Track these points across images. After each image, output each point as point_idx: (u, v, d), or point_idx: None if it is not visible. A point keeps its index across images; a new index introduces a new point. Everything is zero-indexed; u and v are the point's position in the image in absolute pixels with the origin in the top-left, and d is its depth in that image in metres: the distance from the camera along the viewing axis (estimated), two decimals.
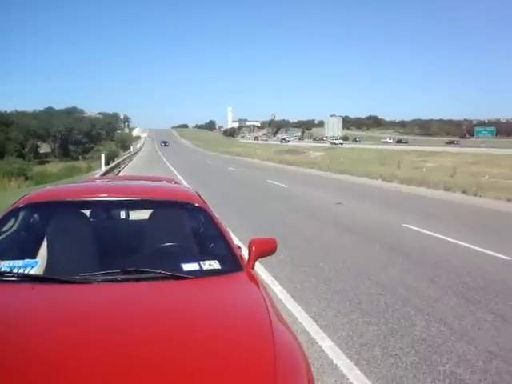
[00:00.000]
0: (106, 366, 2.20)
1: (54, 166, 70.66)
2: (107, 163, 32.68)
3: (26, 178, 45.69)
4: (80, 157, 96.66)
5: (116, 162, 38.91)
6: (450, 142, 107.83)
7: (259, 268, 7.84)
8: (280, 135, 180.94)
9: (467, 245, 9.93)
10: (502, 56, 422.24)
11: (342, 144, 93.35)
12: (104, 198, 4.05)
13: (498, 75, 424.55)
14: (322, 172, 36.19)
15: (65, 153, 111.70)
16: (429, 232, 11.33)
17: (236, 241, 6.58)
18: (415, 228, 11.88)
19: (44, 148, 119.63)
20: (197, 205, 4.08)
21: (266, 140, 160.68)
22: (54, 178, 43.31)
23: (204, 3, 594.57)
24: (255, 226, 11.84)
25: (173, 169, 38.22)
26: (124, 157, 52.27)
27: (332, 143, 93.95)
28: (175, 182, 5.99)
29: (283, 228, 11.90)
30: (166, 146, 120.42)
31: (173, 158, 60.14)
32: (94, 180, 6.50)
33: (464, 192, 21.11)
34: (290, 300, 6.39)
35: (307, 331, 5.32)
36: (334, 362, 4.58)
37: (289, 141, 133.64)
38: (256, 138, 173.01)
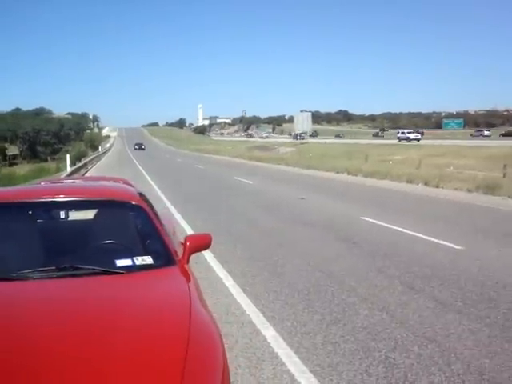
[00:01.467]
0: (26, 358, 2.33)
1: (22, 168, 69.59)
2: (74, 164, 32.44)
3: None
4: (49, 158, 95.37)
5: (83, 162, 38.61)
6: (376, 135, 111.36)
7: (214, 264, 7.99)
8: (251, 131, 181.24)
9: (421, 235, 10.18)
10: (471, 48, 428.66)
11: (303, 138, 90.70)
12: (43, 199, 4.15)
13: (467, 67, 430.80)
14: (289, 168, 36.45)
15: (33, 154, 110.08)
16: (385, 224, 11.57)
17: (178, 238, 6.71)
18: (372, 220, 12.11)
19: (12, 150, 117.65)
20: (134, 203, 4.19)
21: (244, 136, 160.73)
22: (21, 180, 42.69)
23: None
24: (216, 223, 11.94)
25: (141, 168, 38.10)
26: (92, 157, 51.81)
27: (297, 138, 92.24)
28: (124, 182, 6.07)
29: (243, 224, 12.03)
30: (141, 149, 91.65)
31: (142, 157, 59.87)
32: (44, 182, 6.56)
33: (426, 184, 21.51)
34: (241, 294, 6.51)
35: (253, 322, 5.46)
36: (275, 350, 4.72)
37: (267, 137, 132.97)
38: (222, 134, 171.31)
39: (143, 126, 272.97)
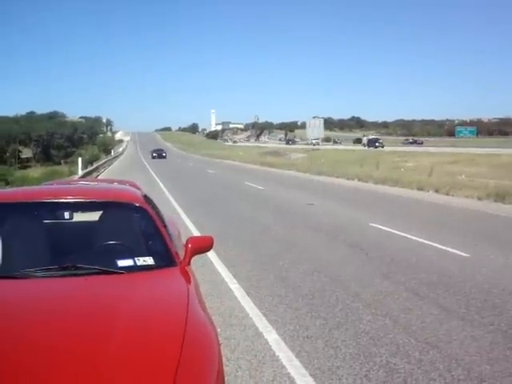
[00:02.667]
0: (23, 356, 2.38)
1: (35, 171, 70.38)
2: (85, 167, 32.69)
3: (7, 183, 45.55)
4: (62, 161, 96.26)
5: (94, 165, 38.88)
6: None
7: (220, 267, 8.03)
8: (263, 137, 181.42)
9: (428, 242, 10.15)
10: (485, 56, 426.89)
11: (317, 144, 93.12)
12: (48, 199, 4.23)
13: (481, 75, 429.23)
14: (300, 173, 36.45)
15: (46, 157, 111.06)
16: (393, 230, 11.55)
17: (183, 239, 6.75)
18: (381, 227, 12.09)
19: (26, 153, 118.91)
20: (137, 205, 4.25)
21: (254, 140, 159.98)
22: (35, 182, 43.21)
23: (192, 4, 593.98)
24: (225, 227, 11.98)
25: (152, 172, 38.28)
26: (104, 160, 52.16)
27: (311, 144, 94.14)
28: (130, 185, 6.14)
29: (252, 228, 12.07)
30: (161, 157, 72.03)
31: (154, 162, 60.20)
32: (51, 183, 6.66)
33: (437, 191, 21.41)
34: (245, 297, 6.55)
35: (256, 326, 5.49)
36: (276, 353, 4.75)
37: (296, 142, 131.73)
38: (235, 142, 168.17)
39: (156, 130, 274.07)
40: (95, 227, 4.19)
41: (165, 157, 72.01)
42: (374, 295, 6.64)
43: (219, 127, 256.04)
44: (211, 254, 8.01)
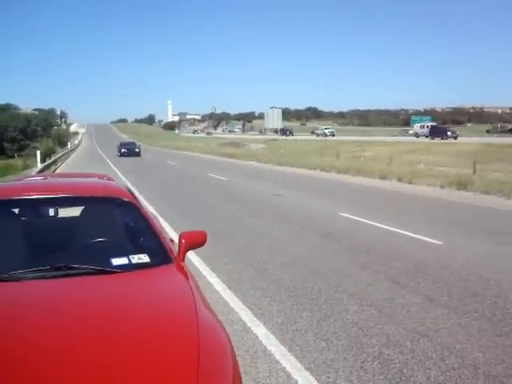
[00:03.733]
0: (35, 362, 2.23)
1: None
2: (43, 160, 31.86)
3: None
4: (16, 154, 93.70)
5: (52, 159, 37.98)
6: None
7: (196, 260, 7.90)
8: (220, 128, 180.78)
9: (400, 231, 10.26)
10: (438, 46, 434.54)
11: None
12: (32, 195, 4.02)
13: (434, 65, 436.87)
14: (262, 164, 36.40)
15: (0, 151, 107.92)
16: (364, 220, 11.62)
17: (169, 234, 6.64)
18: (351, 216, 12.15)
19: None
20: (126, 200, 4.10)
21: (210, 133, 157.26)
22: None
23: None
24: (193, 219, 11.83)
25: (111, 164, 37.63)
26: (61, 153, 51.01)
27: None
28: (108, 178, 5.96)
29: (222, 220, 11.95)
30: (133, 154, 51.42)
31: (112, 154, 59.21)
32: (25, 178, 6.39)
33: (399, 180, 21.69)
34: (227, 291, 6.46)
35: (243, 320, 5.41)
36: (268, 348, 4.69)
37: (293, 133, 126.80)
38: (195, 132, 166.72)
39: (112, 122, 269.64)
40: (83, 224, 3.99)
41: (138, 153, 52.26)
42: (355, 285, 6.65)
43: (176, 118, 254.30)
44: None
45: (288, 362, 4.39)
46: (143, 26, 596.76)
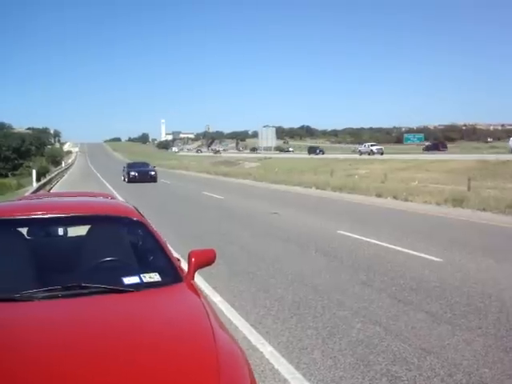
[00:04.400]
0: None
1: None
2: (38, 179, 31.84)
3: None
4: (9, 173, 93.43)
5: (48, 178, 37.97)
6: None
7: (198, 279, 7.88)
8: (215, 146, 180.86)
9: (399, 248, 10.29)
10: (429, 65, 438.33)
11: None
12: (41, 215, 4.02)
13: (426, 83, 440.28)
14: (257, 182, 36.50)
15: None
16: (362, 237, 11.67)
17: (174, 253, 6.62)
18: (349, 234, 12.20)
19: None
20: (135, 219, 4.13)
21: (200, 152, 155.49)
22: None
23: (135, 13, 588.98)
24: (193, 239, 11.83)
25: (107, 183, 37.59)
26: (56, 172, 51.00)
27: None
28: (111, 198, 5.98)
29: (221, 239, 11.95)
30: (146, 179, 38.18)
31: (106, 173, 59.15)
32: (28, 198, 6.39)
33: (395, 197, 21.80)
34: (230, 309, 6.46)
35: (248, 339, 5.41)
36: (276, 367, 4.69)
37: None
38: (199, 151, 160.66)
39: (105, 141, 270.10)
40: (92, 243, 4.00)
41: (154, 178, 38.98)
42: (358, 303, 6.66)
43: (170, 137, 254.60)
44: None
45: (296, 380, 4.39)
46: (135, 45, 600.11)
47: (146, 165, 43.22)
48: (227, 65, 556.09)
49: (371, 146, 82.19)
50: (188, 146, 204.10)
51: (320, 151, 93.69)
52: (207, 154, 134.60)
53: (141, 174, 38.51)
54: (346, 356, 4.91)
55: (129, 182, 38.04)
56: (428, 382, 4.31)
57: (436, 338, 5.34)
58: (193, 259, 3.85)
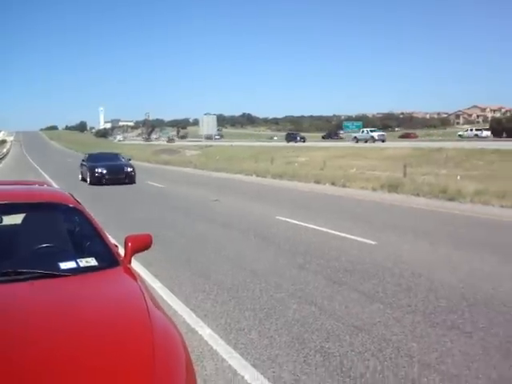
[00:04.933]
0: None
1: None
2: None
3: None
4: None
5: None
6: None
7: (138, 267, 7.90)
8: (154, 135, 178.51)
9: (336, 232, 10.59)
10: (368, 54, 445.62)
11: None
12: None
13: (364, 72, 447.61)
14: (198, 170, 36.45)
15: None
16: (300, 222, 11.93)
17: (112, 240, 6.61)
18: (288, 219, 12.44)
19: None
20: (71, 205, 4.15)
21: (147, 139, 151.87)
22: None
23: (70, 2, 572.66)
24: (134, 226, 11.78)
25: (43, 173, 36.69)
26: None
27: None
28: (47, 185, 5.92)
29: (161, 226, 11.95)
30: (119, 179, 24.86)
31: (44, 162, 57.67)
32: None
33: (333, 184, 22.29)
34: (170, 295, 6.53)
35: (187, 322, 5.50)
36: (214, 347, 4.80)
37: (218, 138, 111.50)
38: (145, 139, 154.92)
39: (41, 129, 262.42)
40: (28, 230, 4.00)
41: (131, 178, 25.69)
42: (294, 285, 6.85)
43: (108, 125, 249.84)
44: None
45: (234, 359, 4.52)
46: (71, 32, 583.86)
47: (116, 157, 28.79)
48: (167, 52, 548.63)
49: (371, 131, 71.67)
50: (131, 134, 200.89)
51: (301, 138, 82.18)
52: (159, 142, 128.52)
53: (112, 172, 25.06)
54: (282, 335, 5.08)
55: (93, 183, 24.50)
56: (359, 357, 4.52)
57: (368, 316, 5.58)
58: (129, 244, 3.92)
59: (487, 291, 6.49)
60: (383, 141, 64.10)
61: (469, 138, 69.27)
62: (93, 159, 27.21)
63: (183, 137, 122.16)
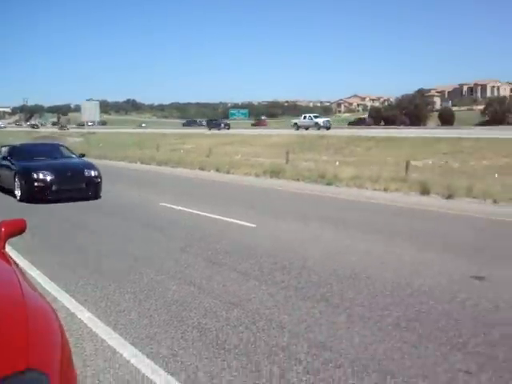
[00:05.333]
0: None
1: None
2: None
3: None
4: None
5: None
6: None
7: (14, 255, 7.73)
8: (34, 121, 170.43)
9: (218, 217, 10.87)
10: (253, 43, 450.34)
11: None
12: None
13: (250, 61, 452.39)
14: None
15: None
16: (184, 208, 12.09)
17: None
18: (171, 205, 12.56)
19: None
20: None
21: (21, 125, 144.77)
22: None
23: None
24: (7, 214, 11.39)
25: None
26: None
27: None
28: None
29: (42, 215, 11.66)
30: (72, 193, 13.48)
31: None
32: None
33: (217, 170, 22.63)
34: (49, 282, 6.47)
35: (66, 307, 5.51)
36: (94, 330, 4.88)
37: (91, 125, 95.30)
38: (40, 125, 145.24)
39: None
40: None
41: (95, 187, 14.38)
42: (175, 267, 7.03)
43: None
44: None
45: (113, 339, 4.64)
46: None
47: (59, 151, 16.75)
48: (46, 33, 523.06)
49: (315, 117, 65.15)
50: (8, 121, 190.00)
51: (225, 125, 75.38)
52: (46, 129, 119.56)
53: (63, 178, 14.14)
54: (161, 314, 5.26)
55: (30, 199, 13.69)
56: (234, 330, 4.80)
57: (244, 293, 5.89)
58: (2, 229, 3.90)
59: (354, 265, 7.03)
60: (328, 128, 58.36)
61: (304, 127, 60.59)
62: (21, 154, 15.54)
63: (63, 126, 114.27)
